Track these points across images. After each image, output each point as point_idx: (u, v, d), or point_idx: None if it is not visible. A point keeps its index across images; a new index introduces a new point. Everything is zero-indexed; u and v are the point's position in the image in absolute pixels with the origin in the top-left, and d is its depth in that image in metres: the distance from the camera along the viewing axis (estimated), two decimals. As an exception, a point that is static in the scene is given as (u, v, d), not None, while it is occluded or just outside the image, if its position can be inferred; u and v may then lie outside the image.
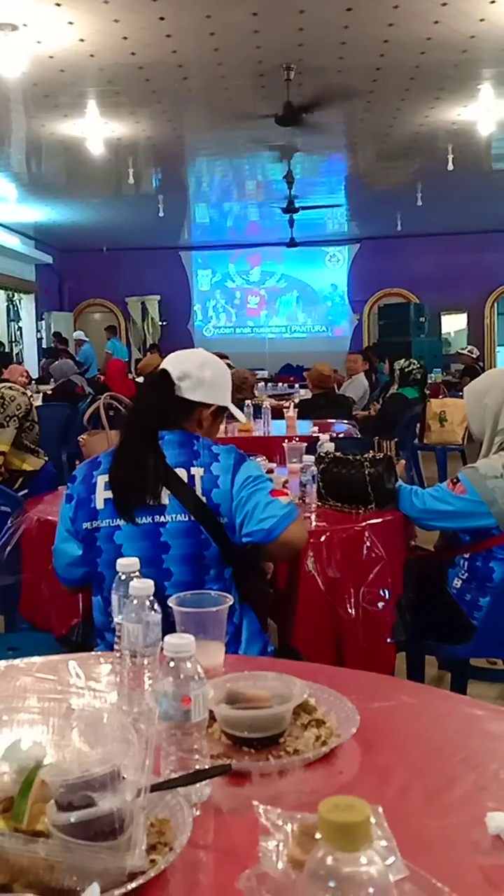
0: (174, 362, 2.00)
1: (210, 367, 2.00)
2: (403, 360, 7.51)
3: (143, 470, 1.84)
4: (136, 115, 8.64)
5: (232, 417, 2.45)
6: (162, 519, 1.83)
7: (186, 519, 1.83)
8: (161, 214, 12.89)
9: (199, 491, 1.84)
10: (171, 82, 7.57)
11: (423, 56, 7.00)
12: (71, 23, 6.15)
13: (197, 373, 1.97)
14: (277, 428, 5.43)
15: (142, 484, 1.84)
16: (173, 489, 1.84)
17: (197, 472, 1.86)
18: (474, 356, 11.87)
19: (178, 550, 1.82)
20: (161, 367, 2.00)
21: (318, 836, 0.58)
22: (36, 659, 1.47)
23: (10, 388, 3.23)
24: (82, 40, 6.52)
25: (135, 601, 1.25)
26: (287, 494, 1.99)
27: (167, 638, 1.05)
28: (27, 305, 15.86)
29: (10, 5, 5.79)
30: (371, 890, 0.55)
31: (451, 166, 9.88)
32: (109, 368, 11.80)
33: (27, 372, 7.72)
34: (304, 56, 6.98)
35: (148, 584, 1.26)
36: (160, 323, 16.89)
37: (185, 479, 1.85)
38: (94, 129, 8.83)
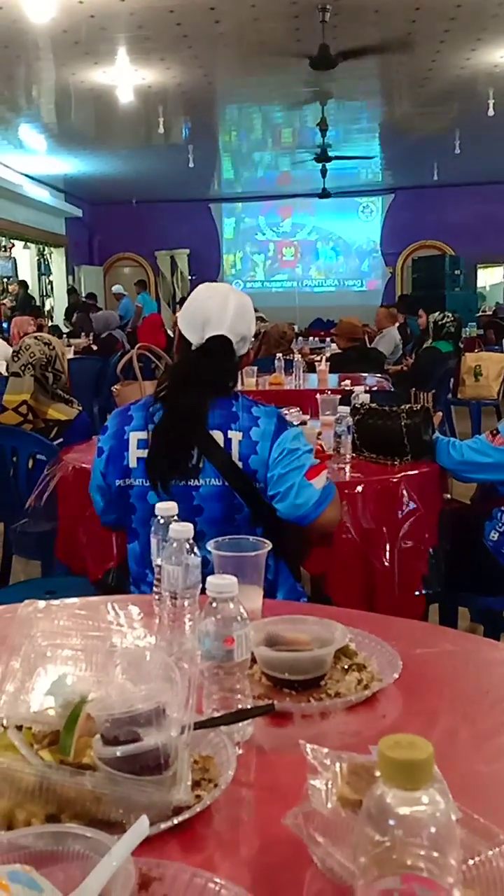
0: (231, 324, 1.84)
1: (253, 317, 1.92)
2: (437, 312, 7.37)
3: (186, 450, 1.79)
4: (167, 62, 8.46)
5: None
6: (196, 483, 1.79)
7: (220, 483, 1.79)
8: (191, 165, 12.71)
9: (235, 456, 1.79)
10: (202, 26, 7.38)
11: (465, -5, 6.75)
12: (101, -36, 6.00)
13: (250, 331, 1.90)
14: (309, 382, 5.38)
15: (184, 463, 1.79)
16: (208, 454, 1.79)
17: (234, 436, 1.79)
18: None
19: (210, 514, 1.79)
20: (217, 332, 1.84)
21: (377, 773, 0.56)
22: (74, 600, 1.48)
23: (32, 337, 3.22)
24: (112, -18, 6.36)
25: (174, 544, 1.24)
26: (325, 468, 1.92)
27: (210, 578, 1.04)
28: (57, 259, 15.81)
29: None
30: (433, 829, 0.54)
31: (491, 112, 9.59)
32: (145, 322, 11.76)
33: (35, 321, 7.69)
34: (339, -4, 6.76)
35: (187, 528, 1.25)
36: (189, 277, 16.75)
37: (221, 443, 1.79)
38: (124, 77, 8.68)
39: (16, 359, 3.10)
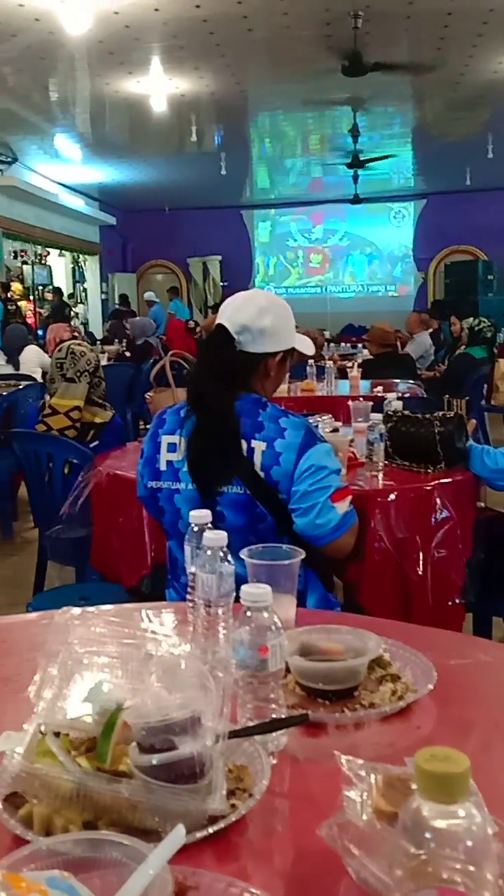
0: (230, 314, 1.84)
1: (269, 314, 1.84)
2: (473, 318, 7.31)
3: (221, 445, 1.79)
4: (200, 70, 8.52)
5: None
6: (218, 488, 1.79)
7: (242, 491, 1.78)
8: (223, 172, 12.76)
9: (257, 465, 1.77)
10: (235, 34, 7.42)
11: (498, -1, 6.70)
12: (136, -25, 6.06)
13: (256, 324, 1.82)
14: (340, 388, 5.37)
15: (224, 462, 1.78)
16: (231, 461, 1.78)
17: (258, 445, 1.77)
18: None
19: (232, 521, 1.77)
20: (217, 321, 1.86)
21: (412, 786, 0.56)
22: (109, 606, 1.49)
23: (78, 344, 3.27)
24: (147, -7, 6.42)
25: (208, 552, 1.25)
26: (351, 494, 1.89)
27: (245, 587, 1.04)
28: (91, 266, 15.96)
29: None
30: (469, 843, 0.53)
31: (524, 116, 9.50)
32: (170, 328, 11.84)
33: (70, 327, 7.76)
34: (371, 2, 6.75)
35: (221, 535, 1.25)
36: (221, 284, 16.81)
37: (245, 451, 1.77)
38: (158, 86, 8.75)
39: (69, 364, 3.15)
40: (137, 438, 3.07)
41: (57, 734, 0.85)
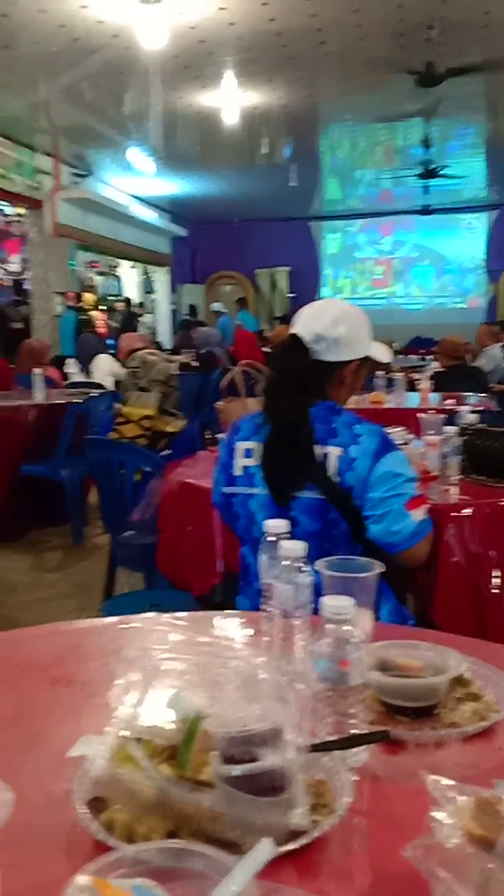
0: (304, 323, 1.86)
1: (343, 322, 1.85)
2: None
3: (296, 450, 1.78)
4: (273, 83, 8.57)
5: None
6: (292, 493, 1.79)
7: (317, 496, 1.78)
8: (292, 184, 12.80)
9: (331, 471, 1.77)
10: (308, 47, 7.45)
11: None
12: (212, -9, 6.14)
13: (331, 332, 1.82)
14: (409, 400, 5.30)
15: (298, 467, 1.78)
16: (305, 466, 1.79)
17: (332, 451, 1.78)
18: None
19: (306, 526, 1.77)
20: (291, 330, 1.88)
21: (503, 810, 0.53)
22: (184, 614, 1.49)
23: (151, 353, 3.31)
24: (223, 9, 6.50)
25: (285, 563, 1.23)
26: (426, 503, 1.87)
27: (325, 599, 1.03)
28: (161, 278, 16.18)
29: (153, -23, 5.85)
30: None
31: None
32: (238, 338, 11.90)
33: (143, 337, 7.88)
34: (446, 12, 6.68)
35: (298, 546, 1.24)
36: (288, 295, 16.84)
37: (319, 456, 1.78)
38: (231, 99, 8.84)
39: (142, 374, 3.20)
40: (206, 448, 3.08)
41: (138, 740, 0.85)
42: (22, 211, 11.83)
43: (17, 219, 12.85)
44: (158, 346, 11.58)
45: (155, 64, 7.72)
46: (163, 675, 0.99)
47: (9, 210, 12.47)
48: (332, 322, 1.84)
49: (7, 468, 4.68)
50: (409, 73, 7.77)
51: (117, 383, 7.22)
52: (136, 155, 11.54)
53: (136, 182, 13.19)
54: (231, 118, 9.27)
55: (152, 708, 0.93)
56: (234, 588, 2.04)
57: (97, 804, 0.82)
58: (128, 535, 2.74)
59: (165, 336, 15.20)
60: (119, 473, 3.01)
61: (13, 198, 10.25)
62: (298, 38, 7.24)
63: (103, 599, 3.12)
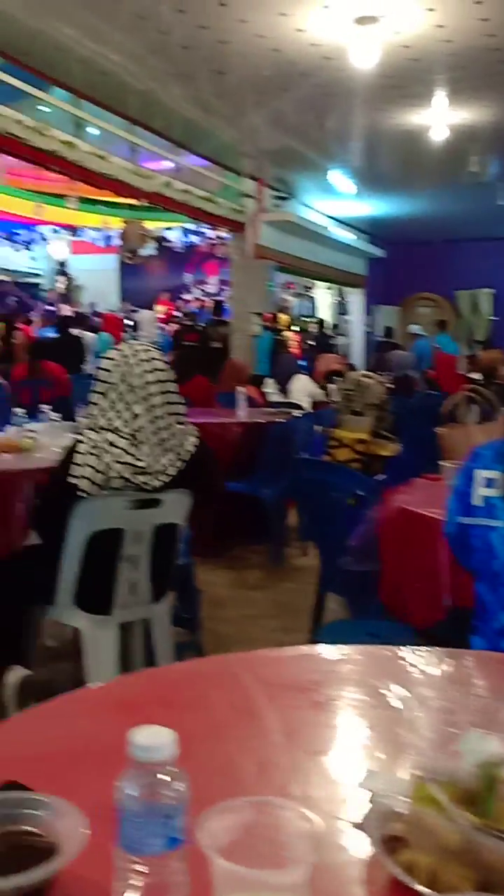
0: None
1: None
2: None
3: None
4: (485, 100, 8.38)
5: None
6: None
7: None
8: (500, 202, 12.41)
9: None
10: (527, 61, 7.22)
11: None
12: (431, 9, 6.11)
13: None
14: None
15: None
16: None
17: None
18: None
19: None
20: None
21: None
22: (423, 649, 1.43)
23: (365, 375, 3.31)
24: (440, 26, 6.45)
25: None
26: None
27: None
28: (355, 299, 16.23)
29: (371, -1, 5.92)
30: None
31: None
32: (438, 362, 11.68)
33: (341, 358, 7.90)
34: None
35: None
36: (491, 318, 16.31)
37: None
38: (439, 117, 8.74)
39: (356, 396, 3.21)
40: (421, 475, 3.02)
41: (435, 782, 0.83)
42: (224, 234, 12.33)
43: (218, 241, 13.43)
44: (352, 368, 11.63)
45: (364, 84, 7.79)
46: (448, 713, 0.97)
47: (210, 233, 13.04)
48: None
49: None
50: None
51: (314, 404, 7.31)
52: (338, 177, 11.68)
53: (336, 204, 13.34)
54: (439, 136, 9.17)
55: (450, 751, 0.90)
56: (460, 624, 1.97)
57: (392, 842, 0.81)
58: (343, 561, 2.73)
59: (359, 358, 15.20)
60: (332, 497, 3.02)
61: (218, 221, 10.68)
62: (517, 52, 7.03)
63: (312, 623, 3.13)
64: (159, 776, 0.72)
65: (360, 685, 1.24)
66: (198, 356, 8.69)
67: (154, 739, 0.73)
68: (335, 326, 15.35)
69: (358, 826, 0.85)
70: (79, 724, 1.10)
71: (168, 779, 0.72)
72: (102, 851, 0.72)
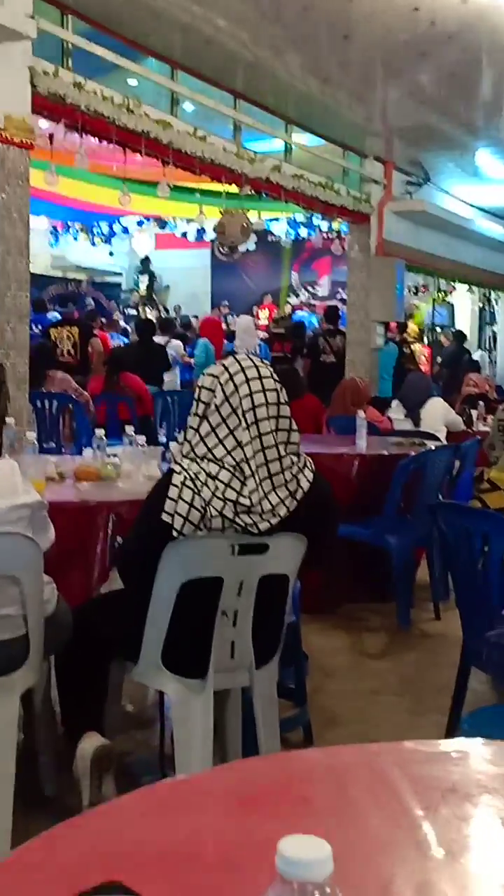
0: None
1: None
2: None
3: None
4: None
5: None
6: None
7: None
8: None
9: None
10: None
11: None
12: None
13: None
14: None
15: None
16: None
17: None
18: None
19: None
20: None
21: None
22: None
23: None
24: None
25: None
26: None
27: None
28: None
29: None
30: None
31: None
32: None
33: (488, 379, 7.74)
34: None
35: None
36: None
37: None
38: None
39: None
40: None
41: None
42: (342, 226, 12.29)
43: (333, 235, 13.44)
44: (501, 391, 11.39)
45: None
46: None
47: (325, 226, 13.05)
48: None
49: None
50: None
51: (450, 434, 7.18)
52: (487, 158, 11.55)
53: (483, 190, 13.17)
54: None
55: None
56: None
57: None
58: (497, 633, 2.64)
59: (505, 378, 14.95)
60: (482, 550, 2.94)
61: (337, 211, 10.68)
62: None
63: (453, 706, 3.04)
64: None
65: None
66: (297, 372, 8.62)
67: (308, 853, 0.70)
68: (480, 338, 15.14)
69: None
70: (192, 819, 1.08)
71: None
72: None
